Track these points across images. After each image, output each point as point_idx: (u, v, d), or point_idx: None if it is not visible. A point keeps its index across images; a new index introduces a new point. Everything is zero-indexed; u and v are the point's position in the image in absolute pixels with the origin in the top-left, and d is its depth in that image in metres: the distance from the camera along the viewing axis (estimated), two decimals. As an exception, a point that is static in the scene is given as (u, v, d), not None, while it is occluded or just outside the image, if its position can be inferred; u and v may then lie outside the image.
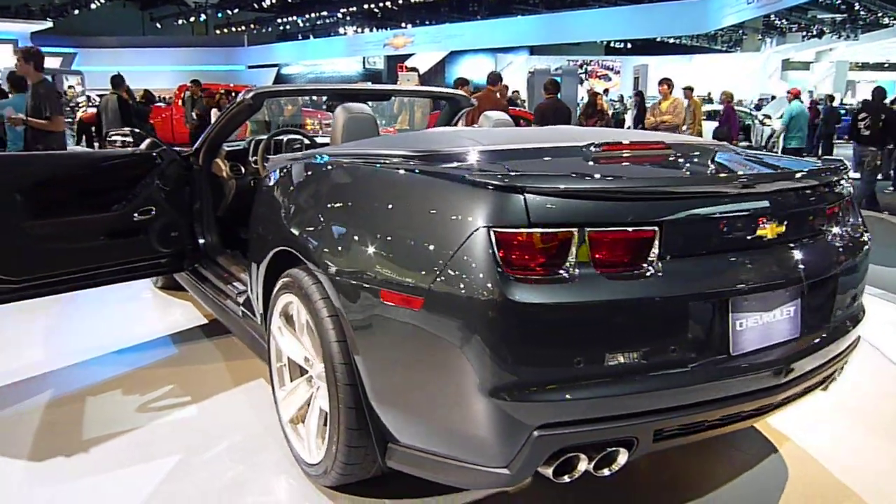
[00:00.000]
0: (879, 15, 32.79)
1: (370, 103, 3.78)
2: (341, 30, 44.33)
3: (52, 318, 4.59)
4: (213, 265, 3.89)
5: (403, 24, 40.57)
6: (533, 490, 2.50)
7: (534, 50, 40.34)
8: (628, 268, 1.92)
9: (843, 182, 2.49)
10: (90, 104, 18.97)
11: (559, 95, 9.65)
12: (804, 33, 37.12)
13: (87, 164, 3.56)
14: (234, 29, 44.48)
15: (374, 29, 42.48)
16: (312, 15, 41.66)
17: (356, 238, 2.25)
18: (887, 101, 11.22)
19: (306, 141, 4.42)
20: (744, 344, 2.07)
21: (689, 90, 11.86)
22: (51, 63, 33.58)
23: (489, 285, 1.81)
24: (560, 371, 1.85)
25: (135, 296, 5.03)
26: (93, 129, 15.19)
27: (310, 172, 2.77)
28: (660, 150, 2.51)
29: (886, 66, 36.67)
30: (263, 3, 38.14)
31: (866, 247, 2.53)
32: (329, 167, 2.66)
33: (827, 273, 2.28)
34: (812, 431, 3.02)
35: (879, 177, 10.92)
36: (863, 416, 3.24)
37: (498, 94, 9.02)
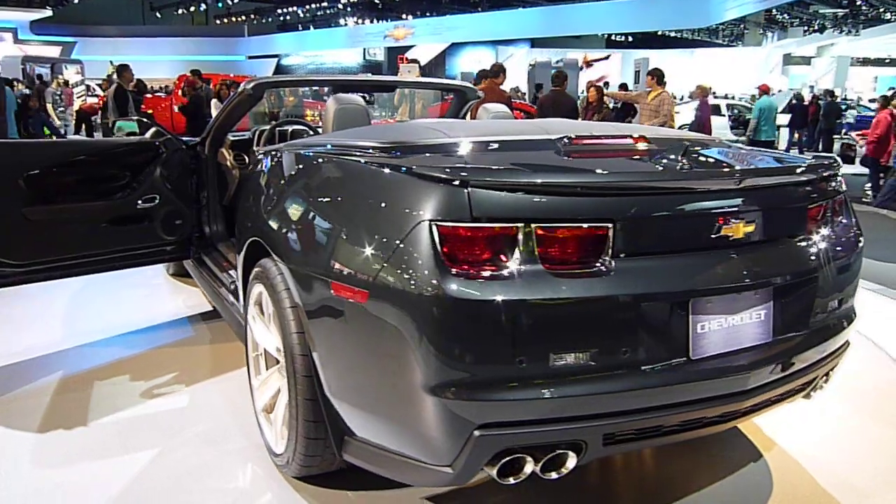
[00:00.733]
0: (881, 10, 32.72)
1: (374, 94, 3.79)
2: (342, 21, 44.18)
3: (56, 301, 4.64)
4: (214, 253, 3.91)
5: (404, 16, 40.44)
6: (505, 489, 2.44)
7: (535, 42, 40.21)
8: (578, 266, 1.86)
9: (830, 180, 2.38)
10: (89, 94, 18.93)
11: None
12: (805, 28, 37.05)
13: (89, 151, 3.56)
14: (234, 19, 44.32)
15: (375, 20, 42.35)
16: (313, 5, 41.52)
17: (312, 229, 2.26)
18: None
19: (311, 132, 4.43)
20: (706, 347, 2.00)
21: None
22: (50, 52, 33.51)
23: (429, 280, 1.77)
24: (501, 370, 1.79)
25: (145, 282, 5.08)
26: (92, 118, 15.17)
27: (277, 163, 2.78)
28: (634, 143, 2.44)
29: (888, 61, 36.59)
30: (264, -6, 38.00)
31: (857, 249, 2.43)
32: (294, 158, 2.66)
33: (803, 275, 2.19)
34: (804, 432, 2.98)
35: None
36: (862, 415, 3.24)
37: (501, 87, 8.98)
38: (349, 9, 41.76)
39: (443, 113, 8.59)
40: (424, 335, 1.78)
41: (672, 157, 2.18)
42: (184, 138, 3.95)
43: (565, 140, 2.23)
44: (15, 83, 15.13)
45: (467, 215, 1.79)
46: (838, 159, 2.50)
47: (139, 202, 3.57)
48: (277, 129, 4.29)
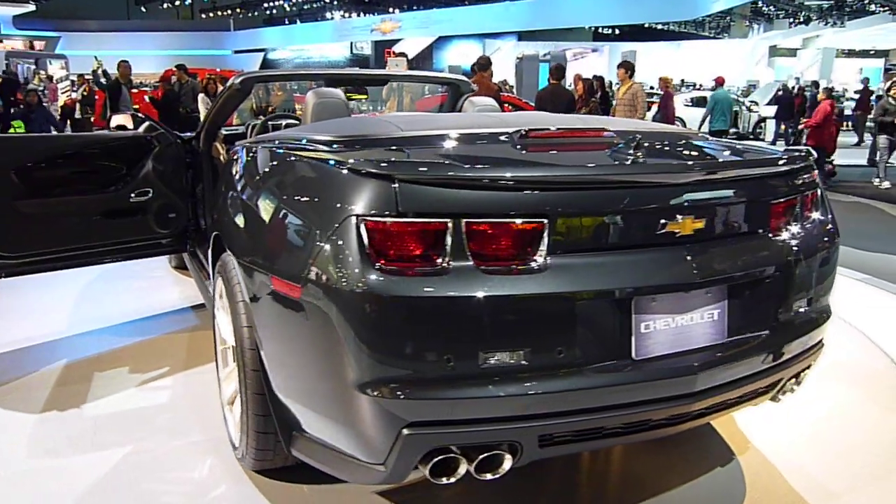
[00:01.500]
0: (866, 2, 32.87)
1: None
2: (328, 14, 44.00)
3: (55, 292, 4.70)
4: (205, 245, 3.89)
5: (391, 9, 40.32)
6: (466, 486, 2.41)
7: (522, 36, 40.17)
8: (510, 262, 1.81)
9: (799, 174, 2.28)
10: (74, 89, 18.76)
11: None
12: (791, 20, 37.16)
13: (81, 145, 3.59)
14: (219, 13, 44.05)
15: (362, 14, 42.19)
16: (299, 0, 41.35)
17: (257, 223, 2.26)
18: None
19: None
20: (650, 348, 1.93)
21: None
22: (35, 47, 33.13)
23: (354, 276, 1.74)
24: (428, 368, 1.76)
25: (146, 274, 5.13)
26: (76, 113, 15.05)
27: (236, 157, 2.78)
28: (594, 137, 2.36)
29: (872, 53, 36.81)
30: (249, -13, 37.77)
31: (830, 247, 2.33)
32: (246, 152, 2.67)
33: (762, 274, 2.12)
34: (783, 430, 2.94)
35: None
36: (847, 411, 3.24)
37: (489, 80, 8.97)
38: (336, 2, 41.60)
39: (432, 107, 8.57)
40: (351, 332, 1.76)
41: (627, 150, 2.05)
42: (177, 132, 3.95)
43: (520, 134, 2.18)
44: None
45: (394, 210, 1.75)
46: (812, 152, 2.42)
47: (132, 195, 3.58)
48: (270, 122, 4.28)
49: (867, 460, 2.74)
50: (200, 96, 11.08)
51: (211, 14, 44.49)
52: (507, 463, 1.87)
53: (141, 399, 3.19)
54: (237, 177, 2.66)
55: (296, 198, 2.08)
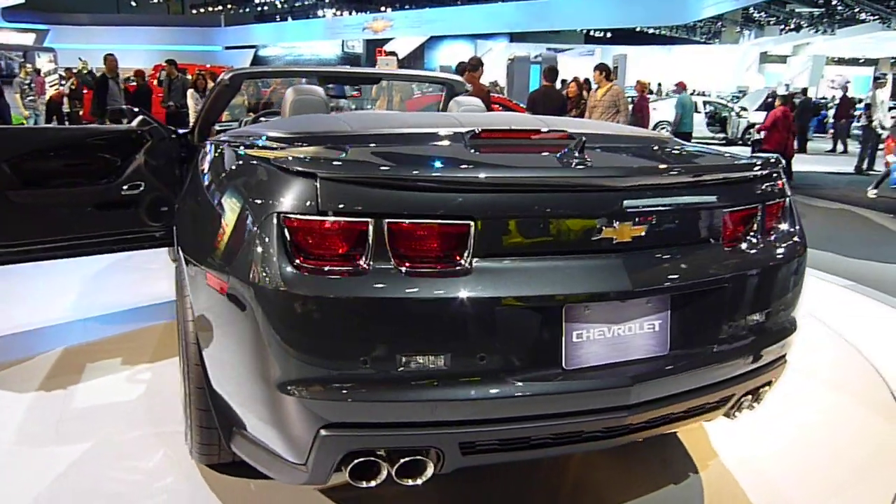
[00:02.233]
0: (856, 10, 33.15)
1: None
2: (320, 12, 43.90)
3: (50, 281, 4.78)
4: None
5: (383, 8, 40.28)
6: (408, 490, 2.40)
7: (514, 37, 40.24)
8: (432, 265, 1.77)
9: (762, 182, 2.20)
10: (62, 83, 18.61)
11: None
12: (782, 27, 37.46)
13: (72, 138, 3.61)
14: (210, 9, 43.86)
15: (354, 12, 42.13)
16: (291, -4, 41.24)
17: (197, 218, 2.28)
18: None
19: None
20: (583, 358, 1.87)
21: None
22: (24, 40, 32.91)
23: (272, 274, 1.72)
24: (344, 370, 1.73)
25: (142, 266, 5.21)
26: (64, 107, 14.95)
27: (201, 153, 2.76)
28: (550, 139, 2.26)
29: (862, 61, 37.09)
30: (241, -17, 37.65)
31: (796, 259, 2.23)
32: (204, 147, 2.67)
33: (711, 285, 2.02)
34: (754, 440, 2.87)
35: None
36: (826, 421, 3.21)
37: (479, 80, 8.96)
38: (327, 0, 41.49)
39: (421, 106, 8.55)
40: (270, 330, 1.74)
41: (572, 153, 1.97)
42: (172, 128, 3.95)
43: (472, 134, 2.14)
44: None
45: (314, 208, 1.72)
46: (780, 159, 2.32)
47: (124, 188, 3.59)
48: (261, 119, 4.27)
49: (837, 473, 2.69)
50: (189, 91, 11.03)
51: (202, 10, 44.31)
52: (430, 469, 1.84)
53: (121, 388, 3.23)
54: (195, 172, 2.66)
55: (229, 193, 2.06)
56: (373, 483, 1.83)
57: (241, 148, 2.18)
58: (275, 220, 1.74)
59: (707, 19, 35.21)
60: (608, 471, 2.62)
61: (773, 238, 2.23)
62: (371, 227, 1.72)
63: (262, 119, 4.38)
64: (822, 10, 33.19)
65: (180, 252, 2.36)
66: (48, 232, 3.46)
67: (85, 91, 14.08)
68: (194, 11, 45.01)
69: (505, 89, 18.79)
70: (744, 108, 20.36)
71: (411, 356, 1.73)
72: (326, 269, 1.72)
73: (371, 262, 1.73)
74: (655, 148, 2.47)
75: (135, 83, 12.76)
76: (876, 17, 32.02)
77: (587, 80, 12.24)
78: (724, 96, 26.68)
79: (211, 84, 8.25)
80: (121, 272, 5.08)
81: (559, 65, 12.25)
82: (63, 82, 18.47)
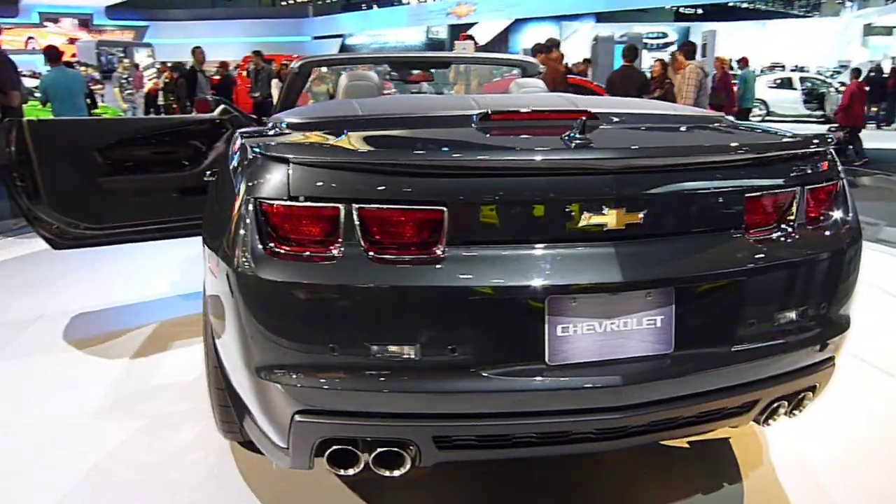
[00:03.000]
0: (972, -25, 30.79)
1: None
2: (405, -1, 44.18)
3: (128, 262, 5.01)
4: None
5: (467, -7, 40.11)
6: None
7: (600, 17, 39.37)
8: (403, 252, 1.73)
9: (799, 164, 1.99)
10: (158, 76, 19.46)
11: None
12: (888, -4, 35.18)
13: (157, 127, 3.85)
14: (299, 0, 44.81)
15: (438, -2, 42.17)
16: (376, -16, 41.65)
17: (210, 203, 2.32)
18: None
19: None
20: (569, 353, 1.75)
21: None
22: (125, 36, 34.55)
23: (247, 258, 1.73)
24: (315, 357, 1.72)
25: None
26: (159, 100, 15.65)
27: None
28: (567, 119, 2.00)
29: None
30: (328, -26, 38.30)
31: (841, 250, 2.00)
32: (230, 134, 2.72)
33: (727, 278, 1.84)
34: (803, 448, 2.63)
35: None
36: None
37: (555, 62, 8.84)
38: (412, -13, 41.72)
39: (500, 90, 8.51)
40: (249, 314, 1.75)
41: (575, 134, 1.82)
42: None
43: (482, 116, 2.06)
44: (83, 67, 15.61)
45: (286, 194, 1.71)
46: (829, 138, 2.09)
47: (206, 175, 3.72)
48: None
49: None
50: (274, 81, 11.36)
51: (291, 1, 45.34)
52: (407, 462, 1.82)
53: (192, 364, 3.32)
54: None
55: (224, 177, 2.12)
56: (350, 472, 1.82)
57: (239, 134, 2.21)
58: (251, 205, 1.75)
59: (806, -9, 33.43)
60: (643, 469, 2.49)
61: (814, 226, 2.02)
62: (341, 213, 1.71)
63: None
64: (935, -23, 31.01)
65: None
66: (136, 216, 3.67)
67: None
68: (284, 3, 46.14)
69: (590, 70, 18.46)
70: (844, 84, 19.32)
71: (380, 345, 1.70)
72: (297, 254, 1.72)
73: (341, 249, 1.71)
74: (683, 127, 2.32)
75: (218, 75, 13.24)
76: None
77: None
78: (823, 72, 25.36)
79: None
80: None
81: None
82: (159, 76, 19.31)
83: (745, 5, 38.76)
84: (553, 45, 8.80)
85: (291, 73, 3.78)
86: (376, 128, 2.15)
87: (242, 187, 1.82)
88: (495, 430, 1.81)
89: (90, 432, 2.76)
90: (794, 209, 1.98)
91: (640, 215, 1.77)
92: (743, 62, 14.19)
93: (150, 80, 18.37)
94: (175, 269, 4.96)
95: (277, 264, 1.71)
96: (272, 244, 1.74)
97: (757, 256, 1.88)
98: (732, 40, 30.46)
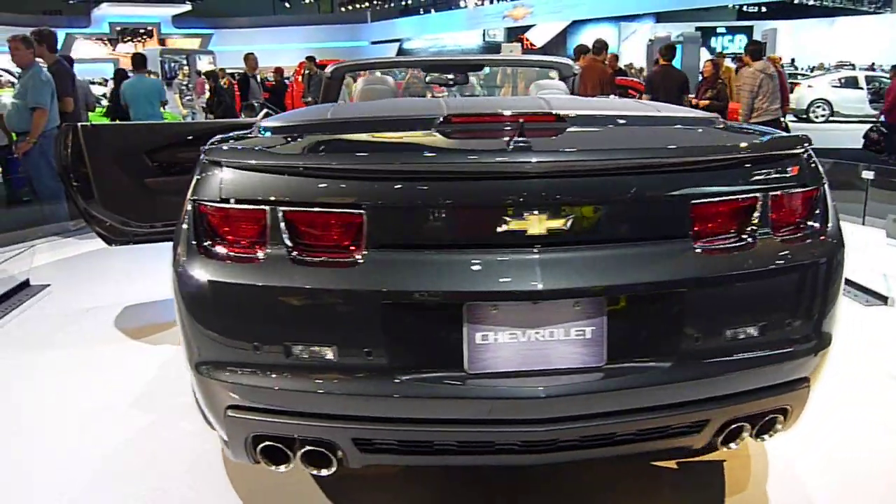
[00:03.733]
0: None
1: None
2: (462, 3, 44.36)
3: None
4: None
5: (524, -5, 40.06)
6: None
7: (660, 17, 38.79)
8: (323, 254, 1.75)
9: (764, 166, 1.85)
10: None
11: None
12: (966, -10, 33.72)
13: (202, 131, 4.00)
14: (357, 5, 45.51)
15: (494, 1, 42.23)
16: (434, -11, 41.99)
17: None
18: None
19: None
20: (490, 362, 1.72)
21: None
22: (191, 44, 35.68)
23: (183, 258, 1.82)
24: (241, 354, 1.77)
25: None
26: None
27: None
28: (529, 122, 1.96)
29: None
30: (386, -21, 38.81)
31: (812, 259, 1.86)
32: None
33: (664, 288, 1.74)
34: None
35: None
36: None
37: (603, 64, 8.84)
38: (469, -10, 41.90)
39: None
40: (184, 311, 1.83)
41: (514, 137, 1.77)
42: None
43: (442, 119, 2.02)
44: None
45: (217, 196, 1.80)
46: (807, 139, 1.95)
47: None
48: None
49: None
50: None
51: (350, 7, 46.08)
52: (334, 462, 1.84)
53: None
54: None
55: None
56: (282, 468, 1.87)
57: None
58: (191, 207, 1.86)
59: (876, -14, 32.28)
60: (625, 476, 2.41)
61: (781, 236, 1.87)
62: (268, 215, 1.76)
63: None
64: None
65: None
66: (177, 215, 3.87)
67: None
68: (343, 9, 46.90)
69: (644, 71, 18.26)
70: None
71: (299, 345, 1.73)
72: (228, 254, 1.80)
73: (267, 250, 1.76)
74: (651, 130, 2.17)
75: (273, 81, 13.63)
76: None
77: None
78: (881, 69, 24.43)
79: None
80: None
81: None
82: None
83: (811, 2, 37.59)
84: (602, 47, 8.83)
85: (325, 79, 3.92)
86: (334, 132, 2.17)
87: (189, 189, 1.91)
88: (415, 436, 1.80)
89: (140, 409, 2.93)
90: (754, 217, 1.84)
91: (567, 221, 1.71)
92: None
93: (208, 86, 18.95)
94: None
95: (209, 263, 1.79)
96: (207, 243, 1.82)
97: (703, 267, 1.77)
98: (797, 39, 29.66)
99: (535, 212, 1.69)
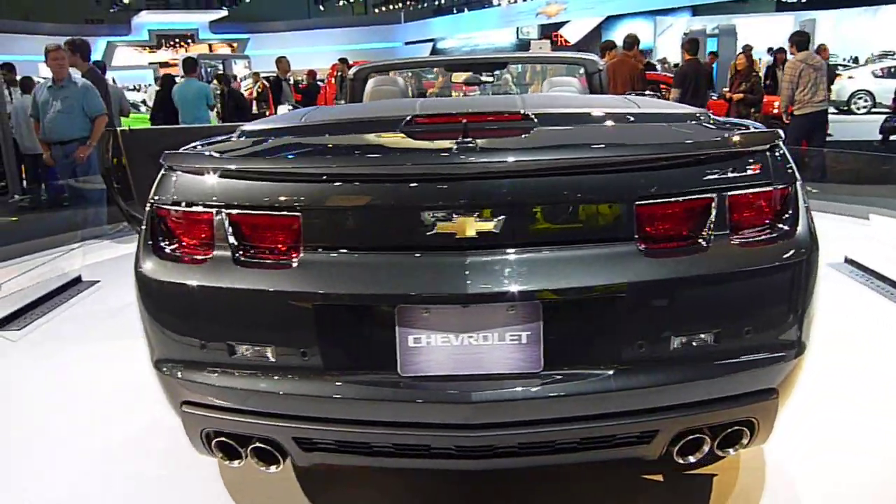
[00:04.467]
0: None
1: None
2: (495, 1, 44.30)
3: None
4: None
5: (557, -8, 39.85)
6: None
7: (696, 10, 38.22)
8: (262, 256, 1.81)
9: (721, 163, 1.76)
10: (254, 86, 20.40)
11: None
12: None
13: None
14: (391, 6, 45.76)
15: (528, -2, 42.10)
16: (467, -12, 42.02)
17: None
18: None
19: None
20: (422, 365, 1.72)
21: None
22: (228, 49, 36.23)
23: (139, 258, 1.91)
24: (188, 353, 1.85)
25: None
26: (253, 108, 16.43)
27: None
28: (497, 122, 2.04)
29: None
30: (419, -20, 38.98)
31: (776, 263, 1.76)
32: None
33: (605, 292, 1.68)
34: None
35: None
36: None
37: (634, 59, 8.82)
38: (502, -11, 41.83)
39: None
40: (141, 309, 1.92)
41: (459, 138, 1.79)
42: None
43: (407, 120, 2.04)
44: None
45: (170, 199, 1.89)
46: (777, 134, 1.86)
47: None
48: None
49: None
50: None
51: (383, 8, 46.37)
52: (280, 461, 1.90)
53: None
54: None
55: None
56: (236, 463, 1.94)
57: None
58: (150, 209, 1.95)
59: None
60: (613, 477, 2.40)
61: (739, 238, 1.77)
62: (214, 218, 1.83)
63: None
64: None
65: None
66: None
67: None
68: (376, 10, 47.19)
69: (678, 65, 18.04)
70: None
71: (241, 345, 1.80)
72: (174, 256, 1.89)
73: (213, 252, 1.83)
74: (620, 126, 2.12)
75: (305, 83, 13.87)
76: None
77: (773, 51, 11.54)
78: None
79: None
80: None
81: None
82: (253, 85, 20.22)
83: (853, -9, 36.65)
84: (633, 42, 8.88)
85: (349, 80, 4.01)
86: (300, 136, 2.24)
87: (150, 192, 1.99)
88: (351, 437, 1.83)
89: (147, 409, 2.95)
90: (708, 218, 1.76)
91: (500, 224, 1.69)
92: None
93: (246, 90, 19.27)
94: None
95: (163, 264, 1.88)
96: (162, 244, 1.92)
97: (646, 271, 1.70)
98: (838, 29, 29.01)
99: (468, 214, 1.68)
